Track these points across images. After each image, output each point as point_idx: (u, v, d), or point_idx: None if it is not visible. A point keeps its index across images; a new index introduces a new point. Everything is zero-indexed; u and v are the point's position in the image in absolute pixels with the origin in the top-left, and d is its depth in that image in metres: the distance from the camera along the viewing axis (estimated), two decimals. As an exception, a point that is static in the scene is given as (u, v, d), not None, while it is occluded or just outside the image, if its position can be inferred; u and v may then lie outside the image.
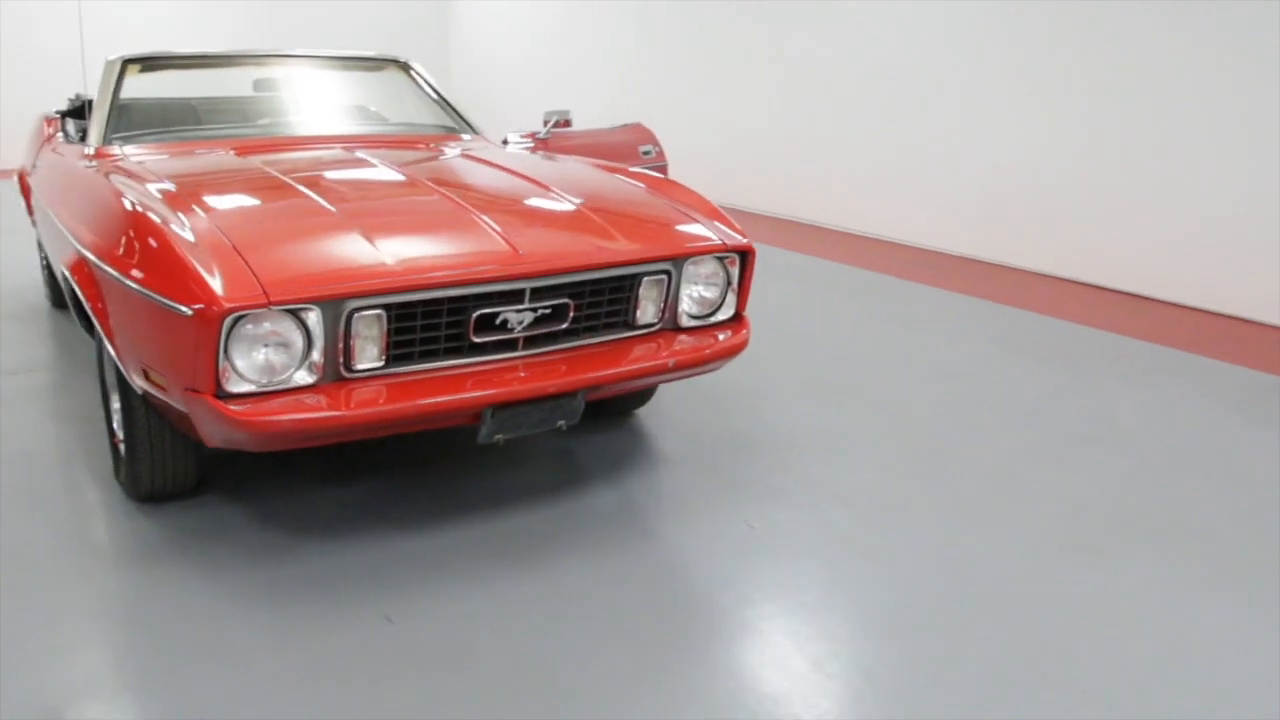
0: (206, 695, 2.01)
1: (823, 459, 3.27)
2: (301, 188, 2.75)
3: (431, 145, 3.72)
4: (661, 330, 2.82)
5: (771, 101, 8.15)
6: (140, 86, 4.69)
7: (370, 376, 2.39)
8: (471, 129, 4.16)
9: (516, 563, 2.56)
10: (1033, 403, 3.89)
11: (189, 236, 2.33)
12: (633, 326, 2.76)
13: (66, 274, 2.88)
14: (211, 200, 2.62)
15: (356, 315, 2.31)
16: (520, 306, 2.50)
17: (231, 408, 2.20)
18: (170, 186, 2.73)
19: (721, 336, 2.87)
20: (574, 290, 2.60)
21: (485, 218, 2.61)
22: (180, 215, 2.45)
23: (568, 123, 4.67)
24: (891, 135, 7.14)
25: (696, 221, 2.88)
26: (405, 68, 4.32)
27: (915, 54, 6.89)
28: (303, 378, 2.31)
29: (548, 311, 2.56)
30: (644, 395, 3.51)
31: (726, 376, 4.07)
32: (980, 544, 2.73)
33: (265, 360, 2.26)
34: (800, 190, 8.02)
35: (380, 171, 3.06)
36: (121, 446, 2.79)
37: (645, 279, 2.71)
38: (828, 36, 7.53)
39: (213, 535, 2.66)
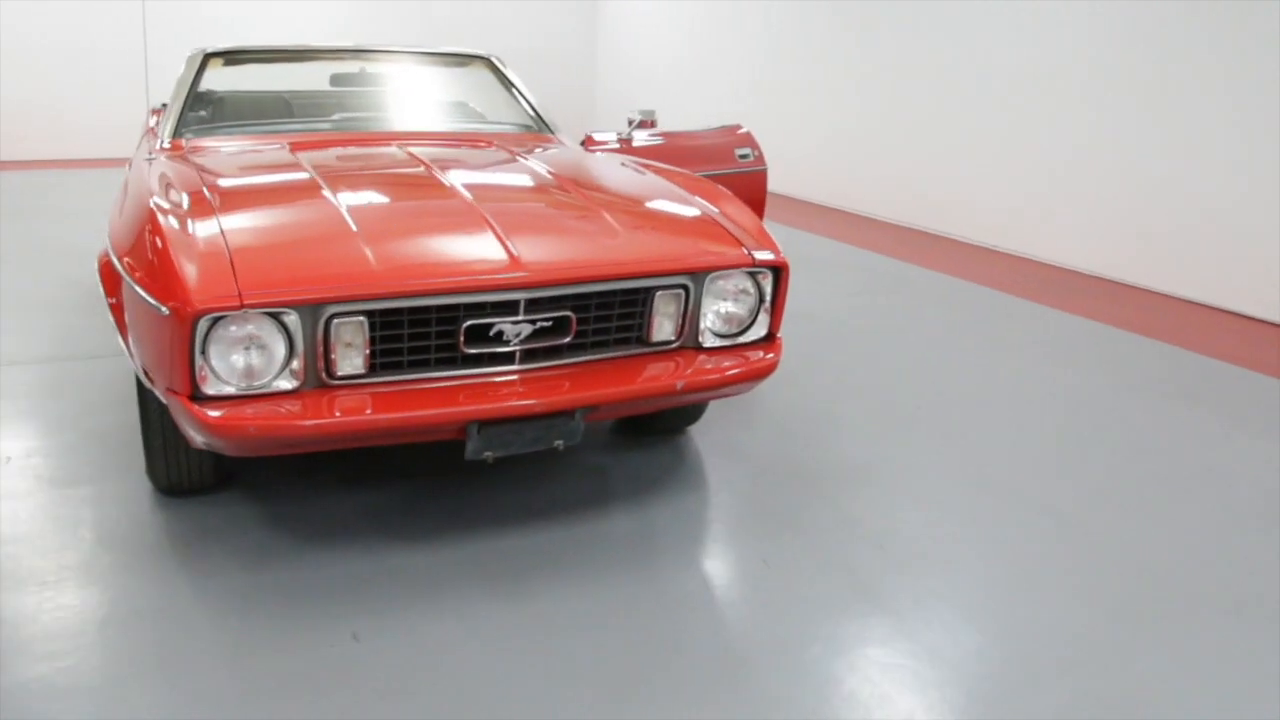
0: (144, 708, 1.97)
1: (871, 494, 3.01)
2: (328, 188, 2.70)
3: (496, 145, 3.63)
4: (681, 348, 2.64)
5: (906, 106, 7.76)
6: (238, 80, 4.81)
7: (353, 385, 2.31)
8: (548, 128, 4.06)
9: (506, 587, 2.44)
10: (1133, 446, 3.49)
11: (191, 236, 2.31)
12: (647, 343, 2.59)
13: (96, 268, 2.94)
14: (236, 199, 2.61)
15: (336, 321, 2.24)
16: (516, 318, 2.37)
17: (204, 411, 2.16)
18: (204, 183, 2.73)
19: (753, 357, 2.66)
20: (577, 303, 2.46)
21: (498, 224, 2.50)
22: (196, 214, 2.44)
23: (652, 123, 4.49)
24: (1030, 143, 6.66)
25: (728, 234, 2.68)
26: (490, 64, 4.27)
27: (1060, 57, 6.40)
28: (284, 383, 2.26)
29: (548, 324, 2.42)
30: (692, 412, 3.32)
31: (797, 398, 3.83)
32: (1012, 607, 2.43)
33: (245, 364, 2.22)
34: (929, 199, 7.60)
35: (420, 172, 2.98)
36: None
37: (659, 293, 2.53)
38: (965, 40, 7.10)
39: (217, 534, 2.65)
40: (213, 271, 2.18)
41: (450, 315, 2.34)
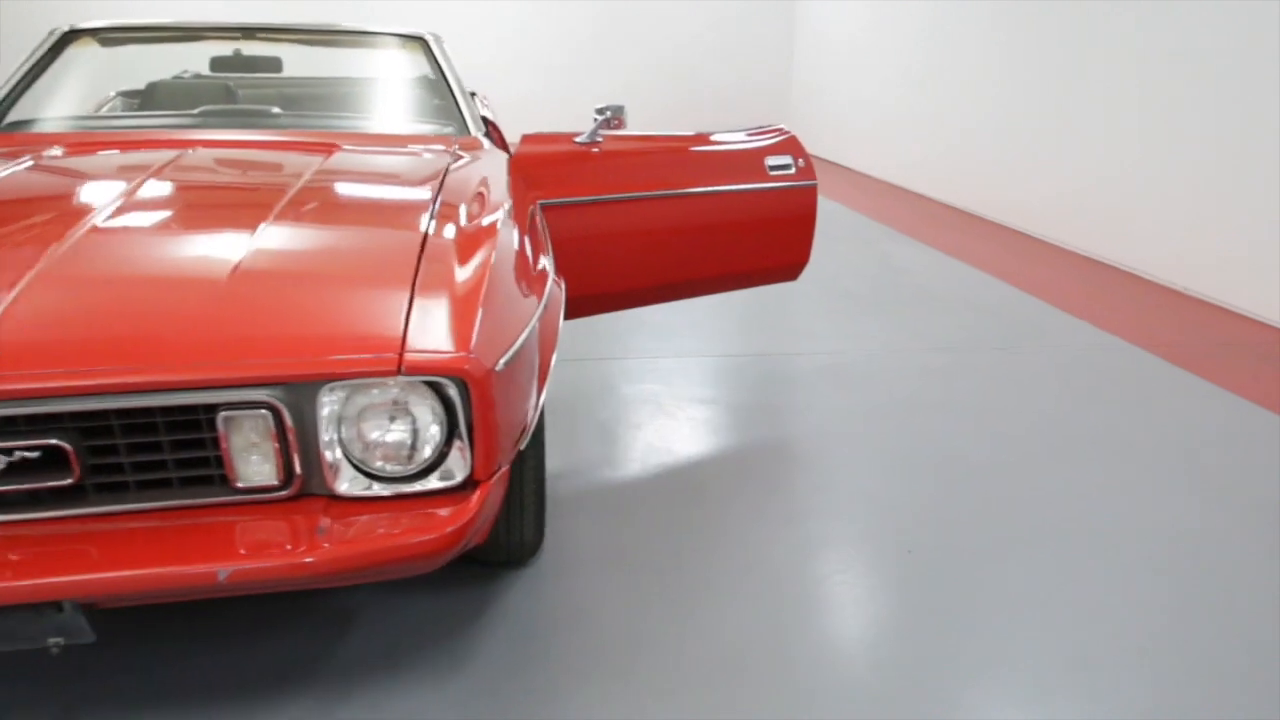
0: None
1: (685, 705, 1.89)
2: None
3: (347, 150, 2.76)
4: (303, 497, 1.66)
5: (1099, 104, 6.10)
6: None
7: None
8: (468, 129, 3.15)
9: None
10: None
11: None
12: (235, 489, 1.63)
13: None
14: None
15: None
16: None
17: None
18: None
19: (433, 517, 1.64)
20: (83, 425, 1.54)
21: (18, 301, 1.62)
22: None
23: (620, 122, 3.42)
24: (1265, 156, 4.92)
25: (381, 321, 1.66)
26: (426, 47, 3.40)
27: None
28: None
29: (34, 455, 1.53)
30: (528, 541, 2.32)
31: (736, 517, 2.71)
32: None
33: None
34: (1129, 225, 5.92)
35: (109, 202, 2.14)
36: None
37: (225, 414, 1.57)
38: (1188, 34, 5.39)
39: None
40: None
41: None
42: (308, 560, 1.52)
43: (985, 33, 7.35)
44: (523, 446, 2.04)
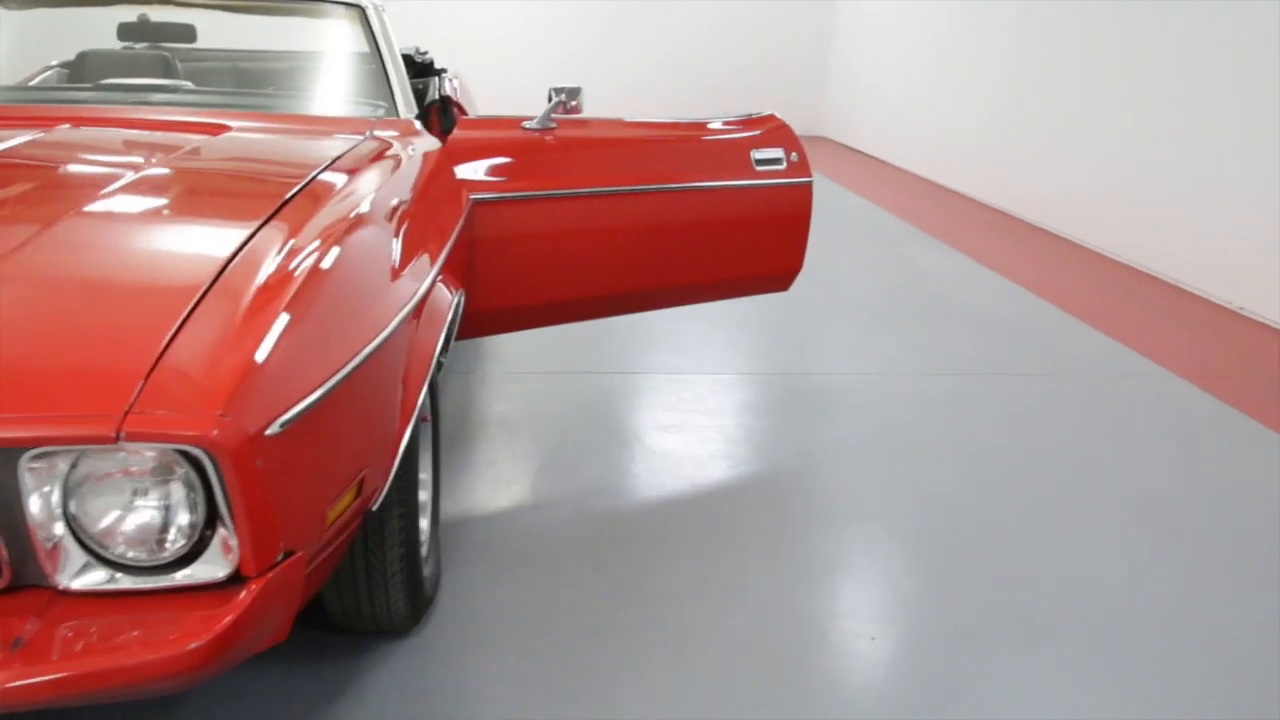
0: None
1: None
2: None
3: (236, 131, 2.36)
4: (21, 589, 1.27)
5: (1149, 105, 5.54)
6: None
7: None
8: (396, 111, 2.75)
9: None
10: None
11: None
12: (-77, 577, 1.24)
13: None
14: None
15: None
16: None
17: None
18: None
19: (191, 619, 1.24)
20: None
21: None
22: None
23: (577, 106, 2.98)
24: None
25: (105, 370, 1.24)
26: (363, 17, 3.00)
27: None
28: None
29: None
30: (402, 611, 1.92)
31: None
32: None
33: None
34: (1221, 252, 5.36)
35: None
36: None
37: None
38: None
39: None
40: None
41: None
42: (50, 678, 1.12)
43: (1028, 21, 6.79)
44: (374, 507, 1.65)
